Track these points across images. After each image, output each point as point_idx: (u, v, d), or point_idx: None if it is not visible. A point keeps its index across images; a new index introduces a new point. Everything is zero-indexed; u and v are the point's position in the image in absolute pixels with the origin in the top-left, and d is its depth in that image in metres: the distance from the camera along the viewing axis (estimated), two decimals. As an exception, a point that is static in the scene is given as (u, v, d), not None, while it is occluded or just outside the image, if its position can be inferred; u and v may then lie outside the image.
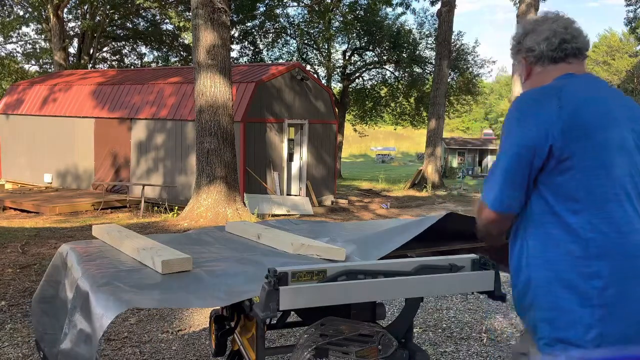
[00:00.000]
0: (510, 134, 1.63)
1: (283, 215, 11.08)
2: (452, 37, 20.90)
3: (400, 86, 28.02)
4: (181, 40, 26.36)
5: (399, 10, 30.54)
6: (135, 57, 29.47)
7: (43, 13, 23.27)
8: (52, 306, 2.34)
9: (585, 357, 1.55)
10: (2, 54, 27.65)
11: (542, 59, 1.74)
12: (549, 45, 1.71)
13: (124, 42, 28.24)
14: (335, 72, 27.18)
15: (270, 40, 27.31)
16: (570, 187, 1.58)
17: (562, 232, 1.58)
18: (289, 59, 26.93)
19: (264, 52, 27.53)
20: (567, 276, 1.57)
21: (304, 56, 27.41)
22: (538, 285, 1.61)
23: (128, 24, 26.55)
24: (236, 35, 25.70)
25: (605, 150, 1.58)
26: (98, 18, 23.75)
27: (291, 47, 27.89)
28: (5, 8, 24.53)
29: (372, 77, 29.14)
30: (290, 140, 13.43)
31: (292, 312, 2.23)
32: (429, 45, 26.93)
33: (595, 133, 1.58)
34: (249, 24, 25.84)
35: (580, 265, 1.55)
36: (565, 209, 1.58)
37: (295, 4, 26.62)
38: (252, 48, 27.19)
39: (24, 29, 27.09)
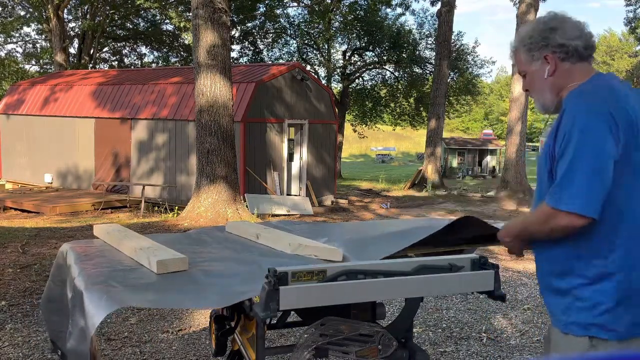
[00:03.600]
0: (592, 135, 1.60)
1: (283, 215, 11.08)
2: (452, 37, 20.91)
3: (400, 86, 28.02)
4: (181, 41, 26.38)
5: (399, 10, 30.44)
6: (135, 58, 29.51)
7: (44, 13, 23.28)
8: (61, 305, 2.34)
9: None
10: (2, 54, 27.68)
11: (573, 56, 1.75)
12: (583, 42, 1.74)
13: (124, 43, 28.25)
14: (335, 72, 27.17)
15: (270, 40, 27.31)
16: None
17: None
18: (289, 59, 26.93)
19: (264, 53, 27.55)
20: None
21: (304, 56, 27.41)
22: None
23: (128, 24, 26.56)
24: (236, 35, 25.71)
25: None
26: (98, 18, 23.76)
27: (291, 48, 27.92)
28: (6, 9, 24.54)
29: (372, 77, 29.14)
30: (290, 140, 13.43)
31: (292, 312, 2.24)
32: (429, 46, 26.94)
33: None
34: (249, 24, 25.84)
35: None
36: None
37: (295, 4, 26.64)
38: (252, 48, 27.20)
39: (25, 29, 27.13)
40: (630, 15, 29.76)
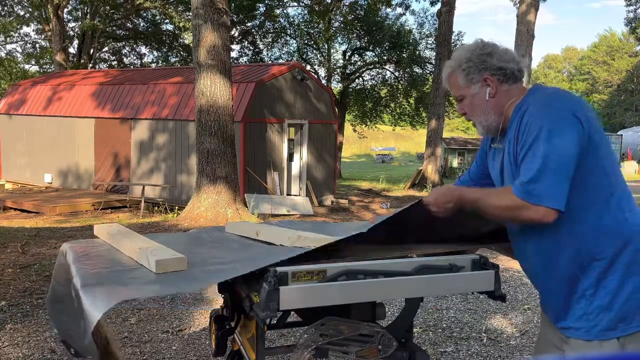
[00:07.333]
0: (561, 133, 1.62)
1: (283, 215, 11.08)
2: (452, 37, 20.90)
3: (400, 86, 28.02)
4: (181, 41, 26.40)
5: (399, 10, 30.48)
6: (135, 57, 29.52)
7: (44, 13, 23.28)
8: (68, 305, 2.34)
9: None
10: (2, 54, 27.69)
11: (510, 78, 1.81)
12: (517, 66, 1.82)
13: (123, 42, 28.26)
14: (335, 72, 27.18)
15: (270, 40, 27.32)
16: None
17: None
18: (289, 59, 26.93)
19: (264, 52, 27.57)
20: None
21: (304, 56, 27.41)
22: None
23: (128, 24, 26.57)
24: (236, 35, 25.71)
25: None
26: (98, 18, 23.78)
27: (291, 47, 27.94)
28: (6, 9, 24.55)
29: (372, 77, 29.15)
30: (290, 140, 13.43)
31: (292, 312, 2.23)
32: (429, 46, 26.94)
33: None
34: (249, 24, 25.85)
35: None
36: None
37: (295, 4, 26.64)
38: (252, 48, 27.21)
39: (25, 29, 27.21)
40: (631, 15, 29.80)
